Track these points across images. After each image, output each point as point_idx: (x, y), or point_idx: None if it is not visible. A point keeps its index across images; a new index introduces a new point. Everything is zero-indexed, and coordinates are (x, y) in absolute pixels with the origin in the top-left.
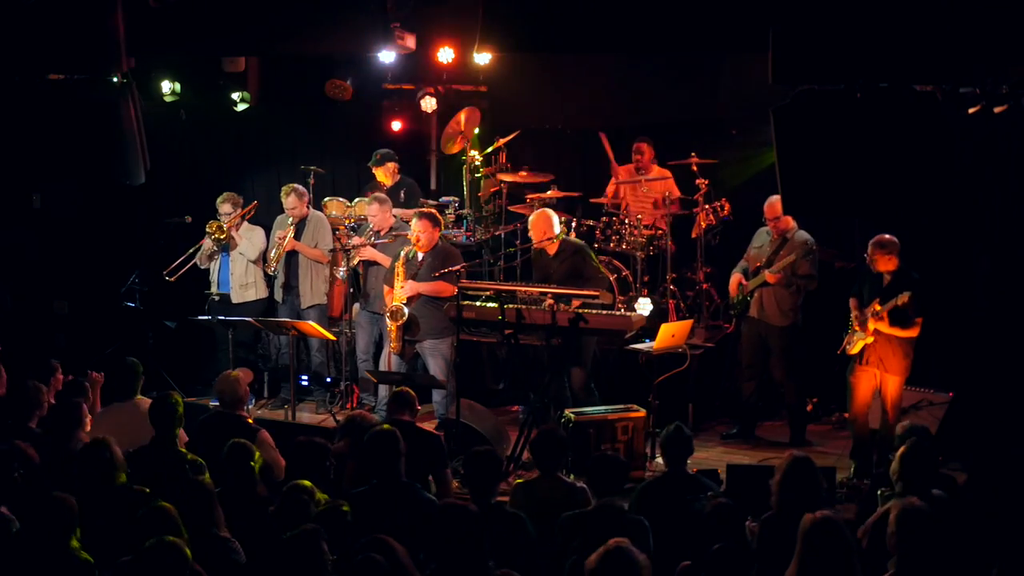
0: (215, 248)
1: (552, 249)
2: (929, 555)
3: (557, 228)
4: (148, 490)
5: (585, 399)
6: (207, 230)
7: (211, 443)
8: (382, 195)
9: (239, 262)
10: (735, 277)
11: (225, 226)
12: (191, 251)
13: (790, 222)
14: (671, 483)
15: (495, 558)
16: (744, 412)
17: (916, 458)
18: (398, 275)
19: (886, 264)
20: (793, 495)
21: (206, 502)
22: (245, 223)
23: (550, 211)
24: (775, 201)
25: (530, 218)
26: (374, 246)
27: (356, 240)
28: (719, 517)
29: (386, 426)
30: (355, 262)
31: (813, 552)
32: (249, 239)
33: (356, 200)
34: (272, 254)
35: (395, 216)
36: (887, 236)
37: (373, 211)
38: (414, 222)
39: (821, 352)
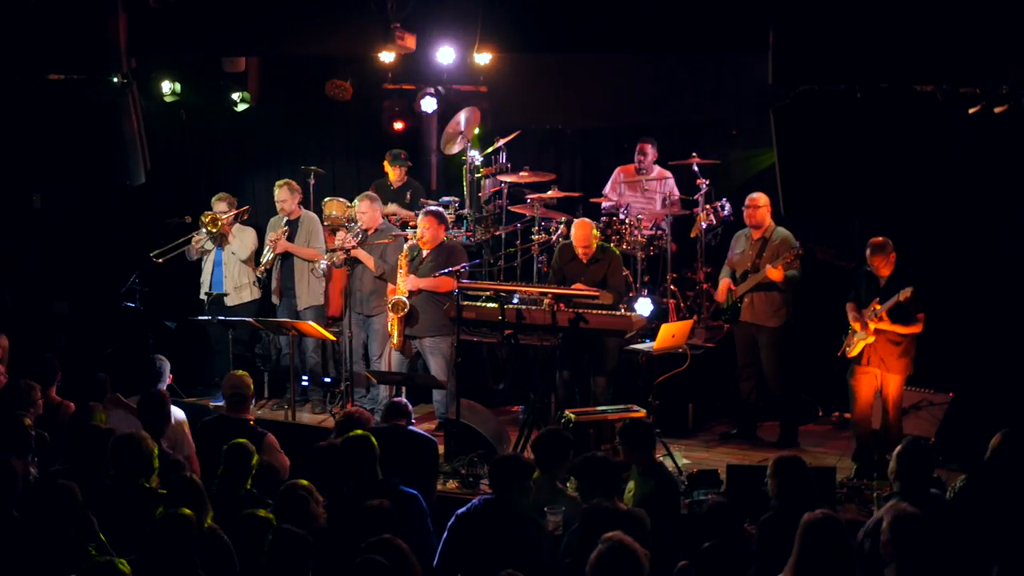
0: (207, 241)
1: (586, 256)
2: (925, 560)
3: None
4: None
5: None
6: (202, 219)
7: (215, 446)
8: (373, 194)
9: (232, 264)
10: (724, 282)
11: (219, 220)
12: (181, 240)
13: (766, 217)
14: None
15: (509, 561)
16: (743, 412)
17: (913, 457)
18: (401, 269)
19: (886, 265)
20: (788, 495)
21: (197, 498)
22: (237, 224)
23: (590, 220)
24: (756, 196)
25: (574, 226)
26: (362, 245)
27: (340, 236)
28: (716, 516)
29: (359, 432)
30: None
31: (811, 551)
32: (240, 239)
33: (356, 200)
34: (264, 258)
35: (389, 216)
36: (880, 238)
37: (363, 208)
38: (420, 219)
39: (820, 353)
